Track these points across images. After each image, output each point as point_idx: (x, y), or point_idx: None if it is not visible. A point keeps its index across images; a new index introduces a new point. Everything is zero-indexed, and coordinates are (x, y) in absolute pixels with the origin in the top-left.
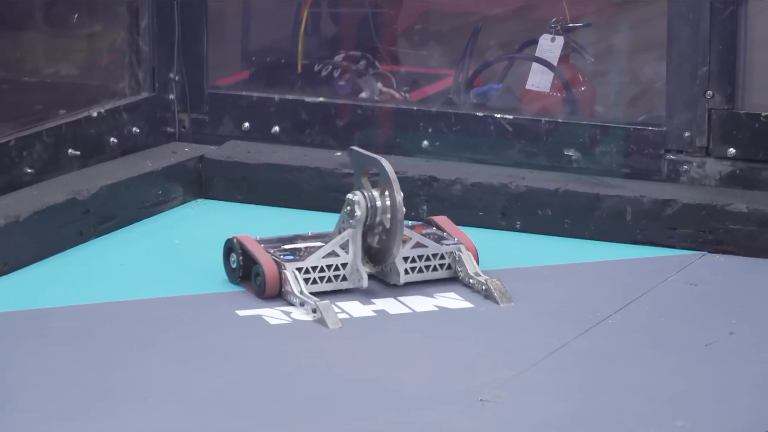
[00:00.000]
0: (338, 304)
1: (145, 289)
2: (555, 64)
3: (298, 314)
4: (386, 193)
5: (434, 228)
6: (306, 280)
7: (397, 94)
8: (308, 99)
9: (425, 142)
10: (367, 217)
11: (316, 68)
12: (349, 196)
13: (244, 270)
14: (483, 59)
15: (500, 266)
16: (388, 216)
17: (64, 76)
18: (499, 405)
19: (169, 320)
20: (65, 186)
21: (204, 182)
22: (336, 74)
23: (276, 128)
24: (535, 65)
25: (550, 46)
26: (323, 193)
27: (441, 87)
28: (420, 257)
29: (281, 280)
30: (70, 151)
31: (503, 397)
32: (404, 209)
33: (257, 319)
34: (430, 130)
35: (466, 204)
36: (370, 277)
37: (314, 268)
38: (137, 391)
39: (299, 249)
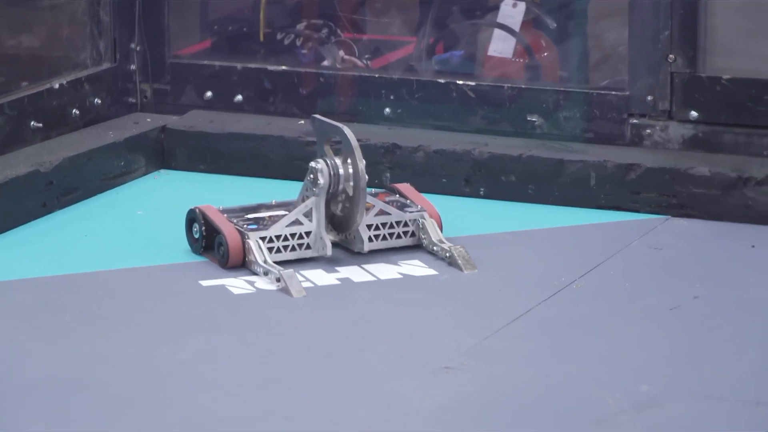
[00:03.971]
0: (302, 272)
1: (109, 260)
2: (517, 29)
3: (262, 283)
4: (349, 160)
5: (397, 195)
6: (270, 249)
7: (359, 62)
8: (271, 67)
9: (387, 110)
10: (330, 185)
11: (279, 37)
12: (312, 164)
13: (207, 240)
14: (444, 26)
15: (464, 233)
16: (351, 184)
17: (26, 47)
18: (464, 372)
19: (133, 291)
20: (28, 158)
21: (166, 152)
22: (298, 42)
23: (239, 97)
24: (497, 31)
25: (512, 12)
26: (287, 162)
27: (403, 54)
28: (384, 225)
29: (245, 250)
30: (32, 123)
31: (468, 364)
32: (367, 177)
33: (221, 289)
34: (392, 97)
35: (429, 171)
36: (334, 245)
37: (278, 237)
38: (102, 364)
39: (263, 218)
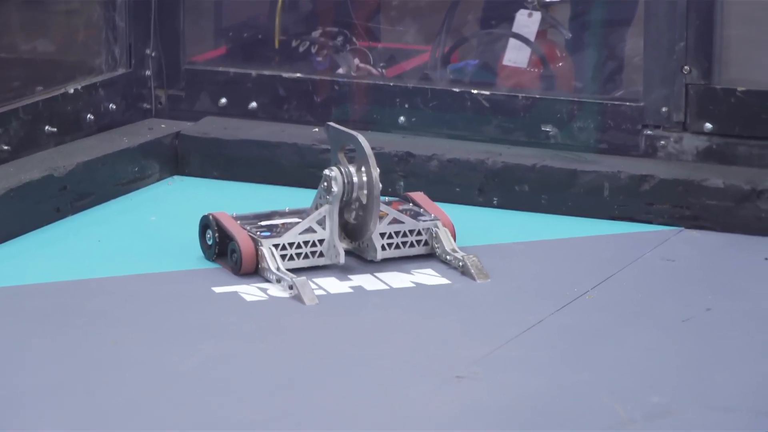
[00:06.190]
0: (315, 280)
1: (122, 265)
2: (532, 39)
3: (275, 291)
4: (363, 168)
5: (411, 204)
6: (283, 257)
7: (373, 70)
8: (285, 75)
9: (402, 118)
10: (343, 193)
11: (294, 44)
12: (326, 171)
13: (220, 247)
14: (460, 35)
15: (477, 242)
16: (365, 192)
17: (41, 52)
18: (476, 381)
19: (146, 297)
20: (42, 163)
21: (180, 159)
22: (313, 50)
23: (253, 104)
24: (512, 41)
25: (527, 22)
26: (301, 169)
27: (418, 63)
28: (397, 233)
29: (258, 257)
30: (46, 127)
31: (480, 373)
32: (381, 185)
33: (233, 296)
34: (406, 105)
35: (442, 180)
36: (347, 253)
37: (291, 245)
38: (114, 368)
39: (276, 225)
